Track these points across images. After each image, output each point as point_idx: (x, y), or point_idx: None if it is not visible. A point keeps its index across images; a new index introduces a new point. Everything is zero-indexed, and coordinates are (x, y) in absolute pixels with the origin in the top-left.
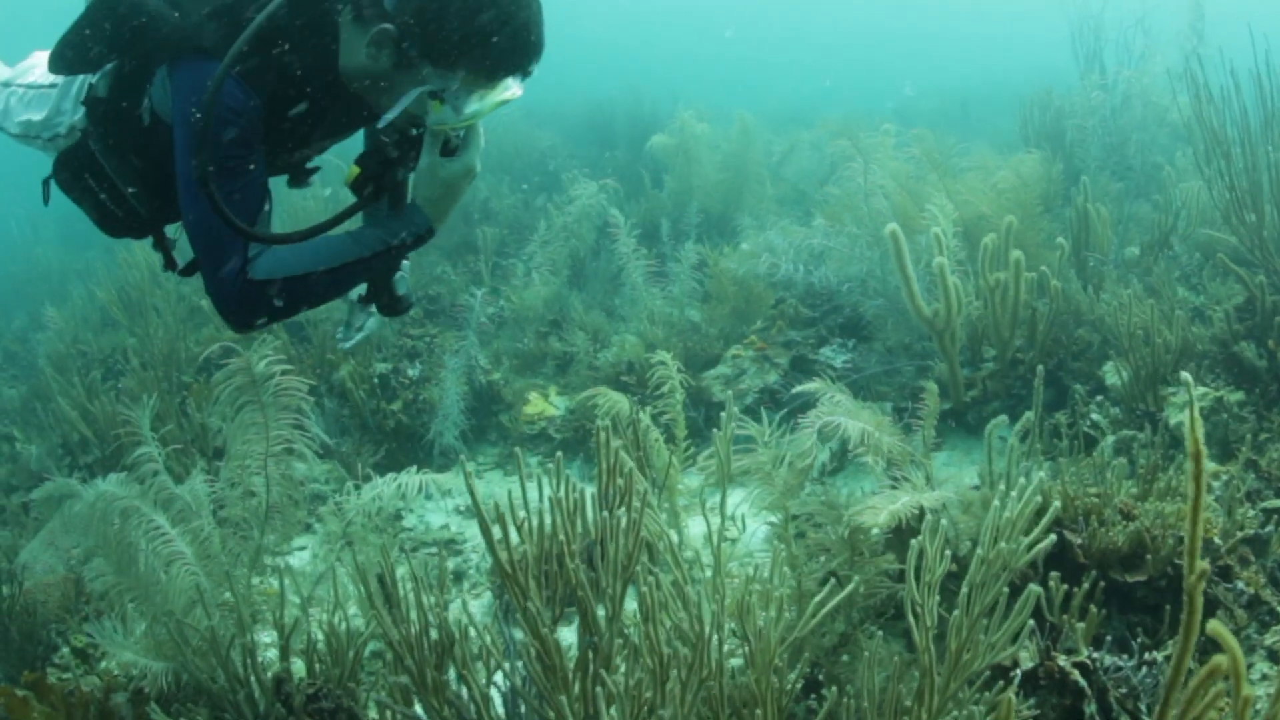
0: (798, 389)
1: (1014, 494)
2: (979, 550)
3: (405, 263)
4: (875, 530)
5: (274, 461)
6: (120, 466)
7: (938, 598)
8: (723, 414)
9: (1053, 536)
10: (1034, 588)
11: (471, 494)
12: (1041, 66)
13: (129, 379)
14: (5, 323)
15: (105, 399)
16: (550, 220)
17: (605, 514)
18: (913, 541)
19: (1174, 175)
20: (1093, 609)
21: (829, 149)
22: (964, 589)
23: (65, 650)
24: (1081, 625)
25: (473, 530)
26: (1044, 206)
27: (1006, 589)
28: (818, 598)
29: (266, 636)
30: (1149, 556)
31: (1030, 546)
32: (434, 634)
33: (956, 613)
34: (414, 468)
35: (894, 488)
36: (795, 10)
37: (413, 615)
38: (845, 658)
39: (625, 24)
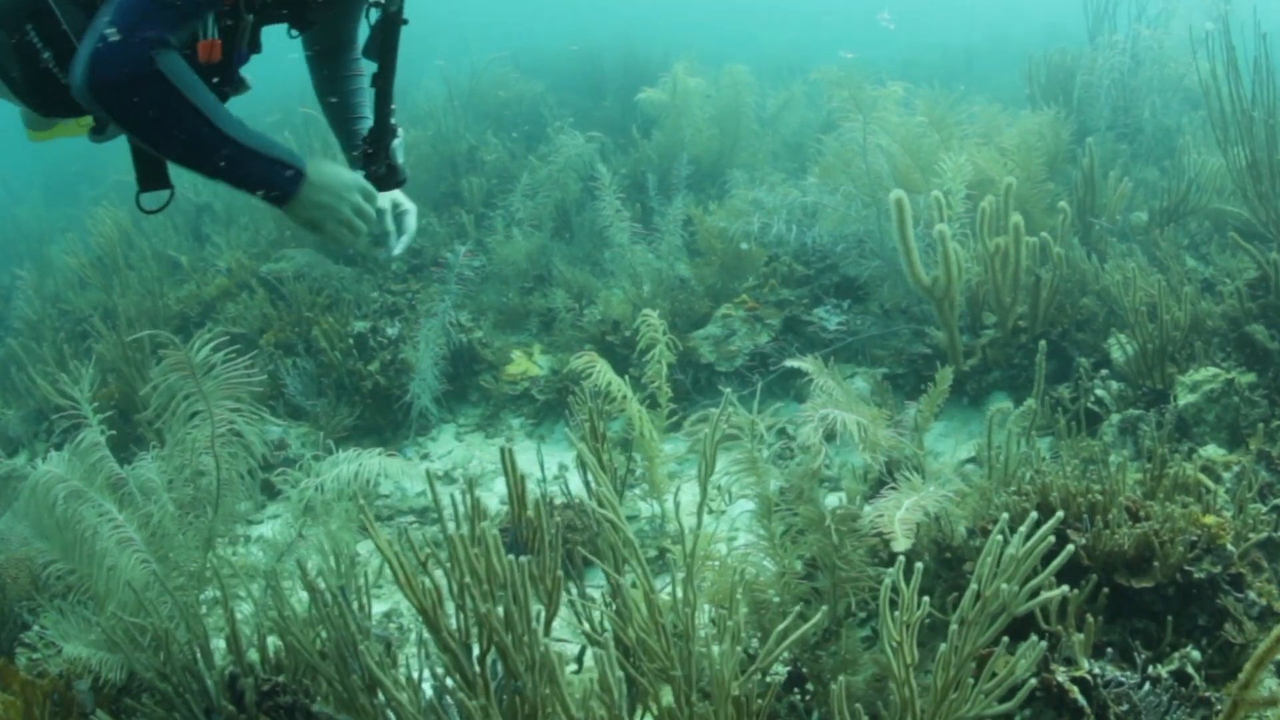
0: (788, 362)
1: (1022, 530)
2: (973, 585)
3: (394, 200)
4: (895, 547)
5: (222, 441)
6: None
7: (915, 638)
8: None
9: (1064, 588)
10: (1040, 644)
11: (435, 500)
12: (1049, 22)
13: (101, 343)
14: None
15: (77, 364)
16: (533, 171)
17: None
18: (885, 578)
19: (1191, 143)
20: (1090, 619)
21: (826, 102)
22: (953, 624)
23: (36, 629)
24: (1080, 637)
25: (450, 498)
26: (1050, 170)
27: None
28: (780, 626)
29: (240, 610)
30: (1157, 563)
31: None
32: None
33: (944, 647)
34: (377, 449)
35: (893, 488)
36: None
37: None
38: (831, 650)
39: None
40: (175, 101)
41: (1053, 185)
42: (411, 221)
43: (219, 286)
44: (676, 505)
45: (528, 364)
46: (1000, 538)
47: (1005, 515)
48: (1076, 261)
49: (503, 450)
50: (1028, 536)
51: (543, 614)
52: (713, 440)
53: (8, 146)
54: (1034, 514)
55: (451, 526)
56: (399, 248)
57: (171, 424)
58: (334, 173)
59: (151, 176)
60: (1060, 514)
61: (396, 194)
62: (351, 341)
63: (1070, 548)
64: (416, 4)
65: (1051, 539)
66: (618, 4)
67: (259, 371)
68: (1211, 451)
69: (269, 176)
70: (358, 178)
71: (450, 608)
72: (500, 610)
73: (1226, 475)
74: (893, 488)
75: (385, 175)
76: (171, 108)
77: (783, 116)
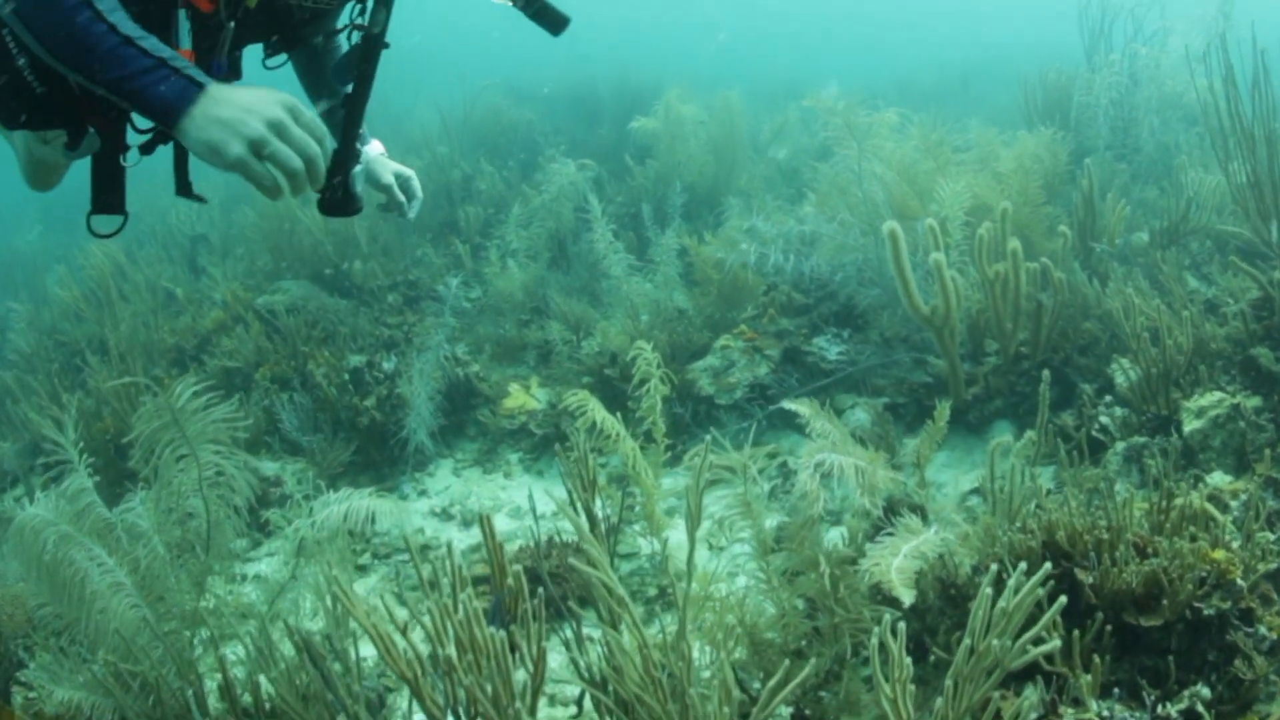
0: (785, 404)
1: (1011, 584)
2: (967, 640)
3: (395, 170)
4: (901, 600)
5: (210, 484)
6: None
7: (911, 688)
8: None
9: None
10: (1039, 694)
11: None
12: (1045, 40)
13: (95, 377)
14: None
15: (71, 397)
16: (526, 202)
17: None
18: (873, 638)
19: (1188, 161)
20: (1096, 659)
21: (821, 128)
22: (949, 681)
23: (33, 666)
24: (1088, 678)
25: (449, 534)
26: (1048, 195)
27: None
28: (773, 681)
29: (233, 652)
30: (1166, 600)
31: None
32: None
33: (940, 702)
34: (373, 486)
35: (890, 533)
36: None
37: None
38: (833, 690)
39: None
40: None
41: (1051, 208)
42: (417, 186)
43: (214, 319)
44: (689, 545)
45: (525, 398)
46: (990, 590)
47: (994, 567)
48: (1078, 286)
49: (482, 520)
50: (1018, 587)
51: (528, 686)
52: (698, 491)
53: (3, 172)
54: (1023, 564)
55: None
56: (413, 211)
57: (159, 467)
58: (251, 90)
59: (106, 199)
60: (1048, 566)
61: (394, 164)
62: (347, 377)
63: (1061, 601)
64: (409, 31)
65: (1051, 583)
66: (612, 30)
67: (249, 412)
68: (1218, 479)
69: (157, 83)
70: (286, 96)
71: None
72: (487, 686)
73: (1234, 504)
74: (889, 533)
75: (341, 199)
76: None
77: (778, 141)
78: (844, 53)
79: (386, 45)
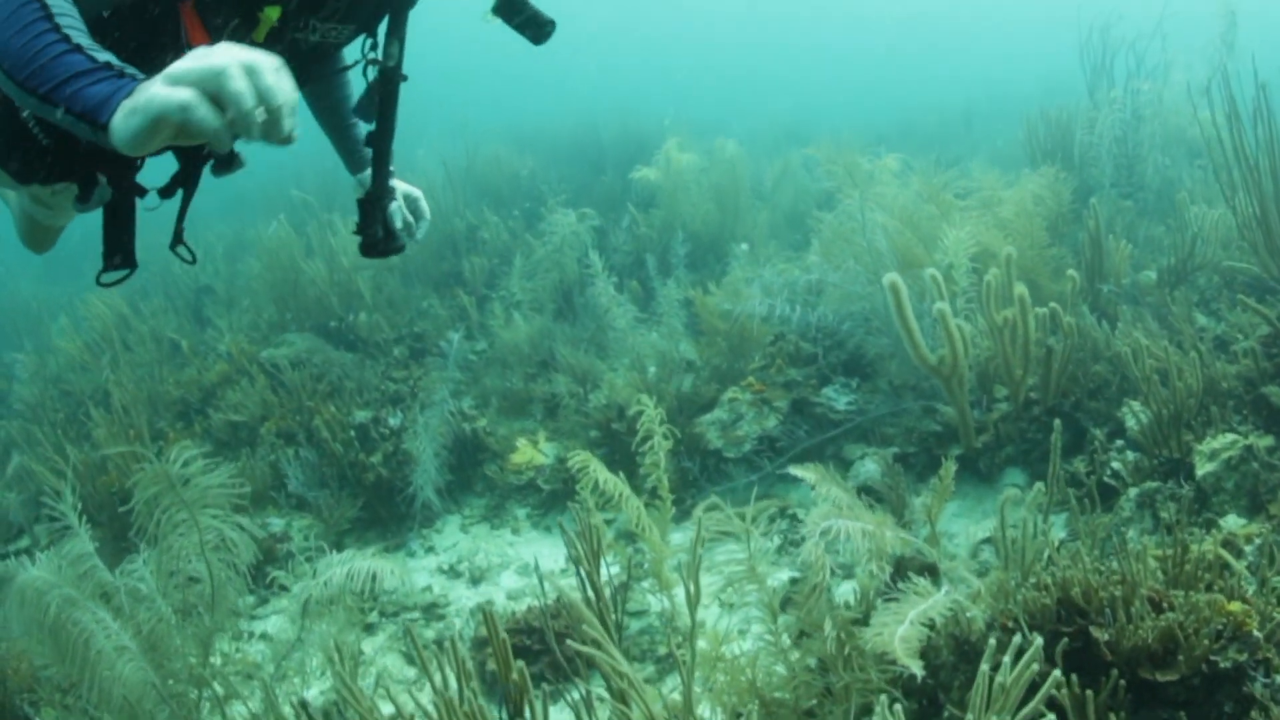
0: (792, 470)
1: (1006, 661)
2: (969, 716)
3: (404, 191)
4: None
5: (212, 547)
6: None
7: None
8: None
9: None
10: None
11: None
12: (1046, 75)
13: (99, 429)
14: None
15: (76, 449)
16: (529, 253)
17: None
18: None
19: (1187, 198)
20: (1112, 717)
21: (824, 175)
22: None
23: None
24: None
25: (457, 592)
26: (1053, 236)
27: None
28: None
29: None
30: (1182, 655)
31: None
32: None
33: None
34: (379, 544)
35: (894, 598)
36: (794, 25)
37: None
38: None
39: (616, 42)
40: None
41: (1057, 249)
42: (425, 206)
43: (219, 372)
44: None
45: (533, 453)
46: (987, 668)
47: (992, 641)
48: (1087, 329)
49: (485, 614)
50: (1015, 660)
51: None
52: (695, 568)
53: (5, 219)
54: (1018, 638)
55: (459, 634)
56: (420, 231)
57: (160, 532)
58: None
59: (117, 252)
60: (1039, 641)
61: (402, 184)
62: (353, 433)
63: (1055, 675)
64: (410, 82)
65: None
66: (612, 75)
67: (255, 467)
68: (1232, 522)
69: (90, 88)
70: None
71: None
72: None
73: (1248, 549)
74: (893, 599)
75: (383, 239)
76: None
77: (781, 187)
78: (845, 93)
79: (404, 78)
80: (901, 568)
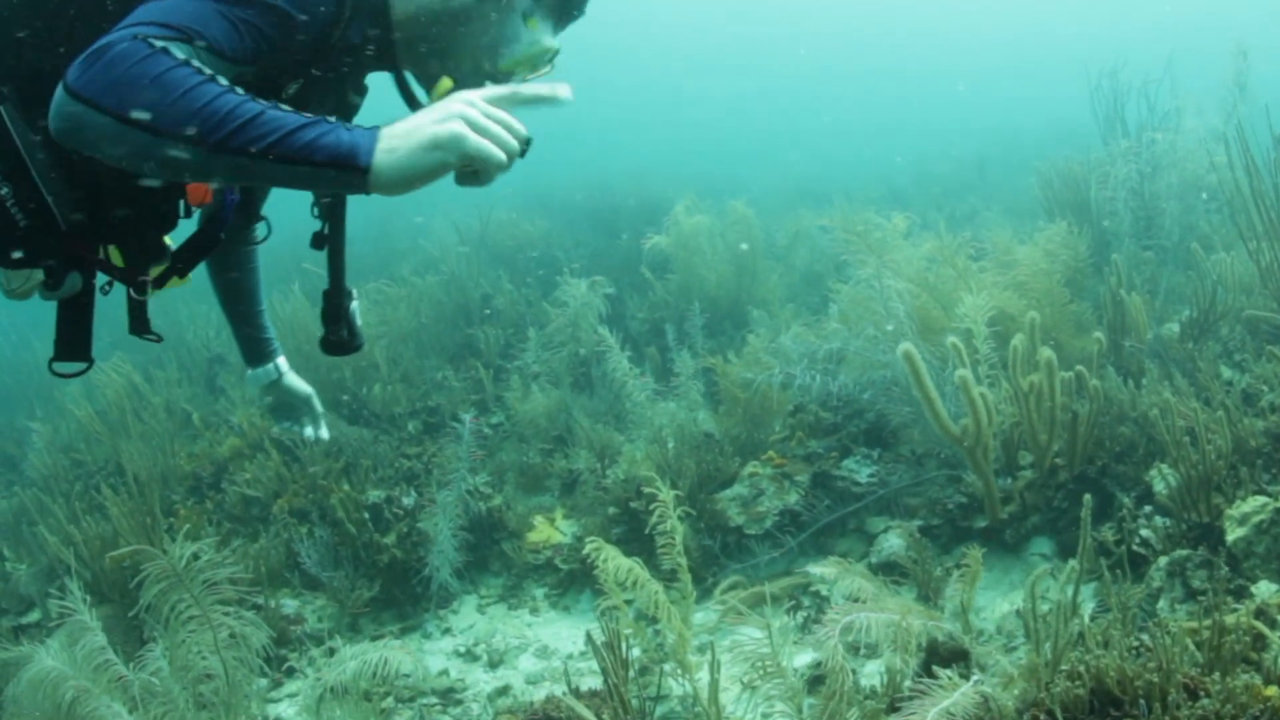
0: (810, 569)
1: None
2: None
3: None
4: None
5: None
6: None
7: None
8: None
9: None
10: None
11: None
12: (1057, 121)
13: (112, 504)
14: (7, 419)
15: (89, 521)
16: (544, 324)
17: None
18: None
19: (1200, 249)
20: None
21: (838, 241)
22: None
23: None
24: None
25: (474, 676)
26: (1072, 292)
27: None
28: None
29: None
30: None
31: None
32: None
33: None
34: (387, 638)
35: (923, 693)
36: (803, 80)
37: None
38: None
39: (629, 106)
40: (176, 95)
41: (1076, 305)
42: (318, 403)
43: (231, 446)
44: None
45: (550, 530)
46: None
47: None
48: (1112, 391)
49: None
50: None
51: None
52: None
53: None
54: None
55: None
56: (324, 429)
57: (172, 626)
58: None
59: (73, 346)
60: None
61: (300, 382)
62: (366, 514)
63: None
64: None
65: None
66: (625, 139)
67: (269, 545)
68: (1265, 589)
69: (326, 136)
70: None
71: None
72: None
73: None
74: (920, 691)
75: (346, 339)
76: (167, 105)
77: (795, 248)
78: (857, 143)
79: None
80: (932, 651)
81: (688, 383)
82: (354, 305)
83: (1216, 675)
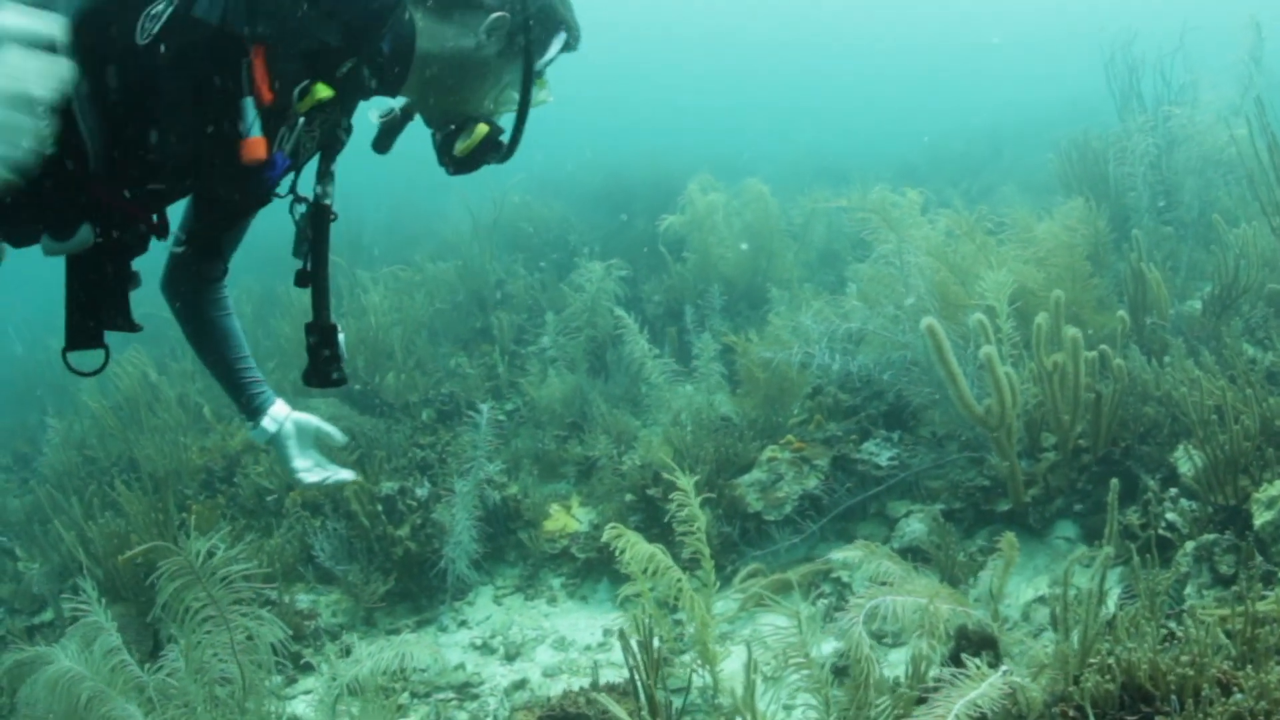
0: (833, 555)
1: None
2: None
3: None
4: None
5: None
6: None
7: None
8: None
9: None
10: None
11: None
12: (1072, 96)
13: (125, 501)
14: (18, 418)
15: (103, 519)
16: (559, 309)
17: None
18: None
19: (1222, 221)
20: None
21: (857, 220)
22: None
23: None
24: None
25: (490, 669)
26: (1093, 267)
27: None
28: None
29: None
30: None
31: None
32: None
33: None
34: (403, 633)
35: (949, 684)
36: (817, 57)
37: None
38: None
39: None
40: None
41: (1098, 280)
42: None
43: (243, 439)
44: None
45: (566, 519)
46: None
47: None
48: (1136, 371)
49: None
50: None
51: None
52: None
53: (33, 277)
54: None
55: None
56: (327, 478)
57: (188, 627)
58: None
59: (81, 324)
60: None
61: (304, 423)
62: (379, 507)
63: None
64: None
65: None
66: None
67: (284, 539)
68: None
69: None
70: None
71: None
72: None
73: None
74: (942, 684)
75: (329, 372)
76: None
77: (812, 225)
78: (871, 121)
79: (335, 217)
80: (962, 638)
81: (707, 364)
82: (341, 338)
83: (1249, 669)
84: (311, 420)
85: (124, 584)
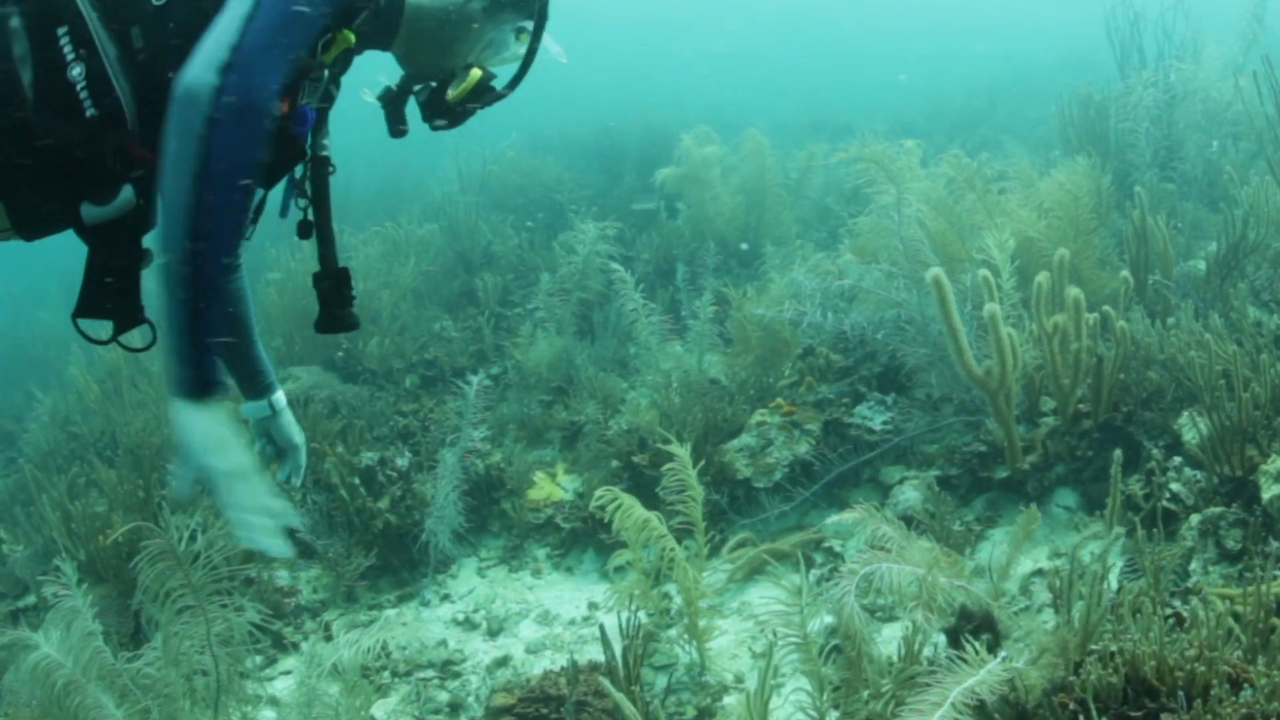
0: (830, 520)
1: None
2: None
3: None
4: None
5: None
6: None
7: None
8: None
9: None
10: None
11: None
12: (1071, 51)
13: (104, 479)
14: (5, 395)
15: (86, 499)
16: (548, 269)
17: None
18: None
19: (1235, 175)
20: None
21: (855, 170)
22: None
23: None
24: None
25: (474, 645)
26: (1097, 222)
27: None
28: None
29: None
30: None
31: None
32: None
33: None
34: (385, 610)
35: (949, 668)
36: (812, 10)
37: None
38: None
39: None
40: (241, 194)
41: (1099, 238)
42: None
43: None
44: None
45: (551, 487)
46: None
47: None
48: (1140, 333)
49: None
50: None
51: None
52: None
53: (24, 248)
54: None
55: None
56: (297, 479)
57: (165, 615)
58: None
59: (105, 293)
60: None
61: (294, 426)
62: (357, 480)
63: None
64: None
65: None
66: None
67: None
68: None
69: (208, 349)
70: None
71: None
72: None
73: None
74: (933, 669)
75: (344, 316)
76: (237, 186)
77: (807, 180)
78: (867, 76)
79: (333, 169)
80: (962, 616)
81: (700, 324)
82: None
83: (1261, 663)
84: (302, 441)
85: (106, 565)
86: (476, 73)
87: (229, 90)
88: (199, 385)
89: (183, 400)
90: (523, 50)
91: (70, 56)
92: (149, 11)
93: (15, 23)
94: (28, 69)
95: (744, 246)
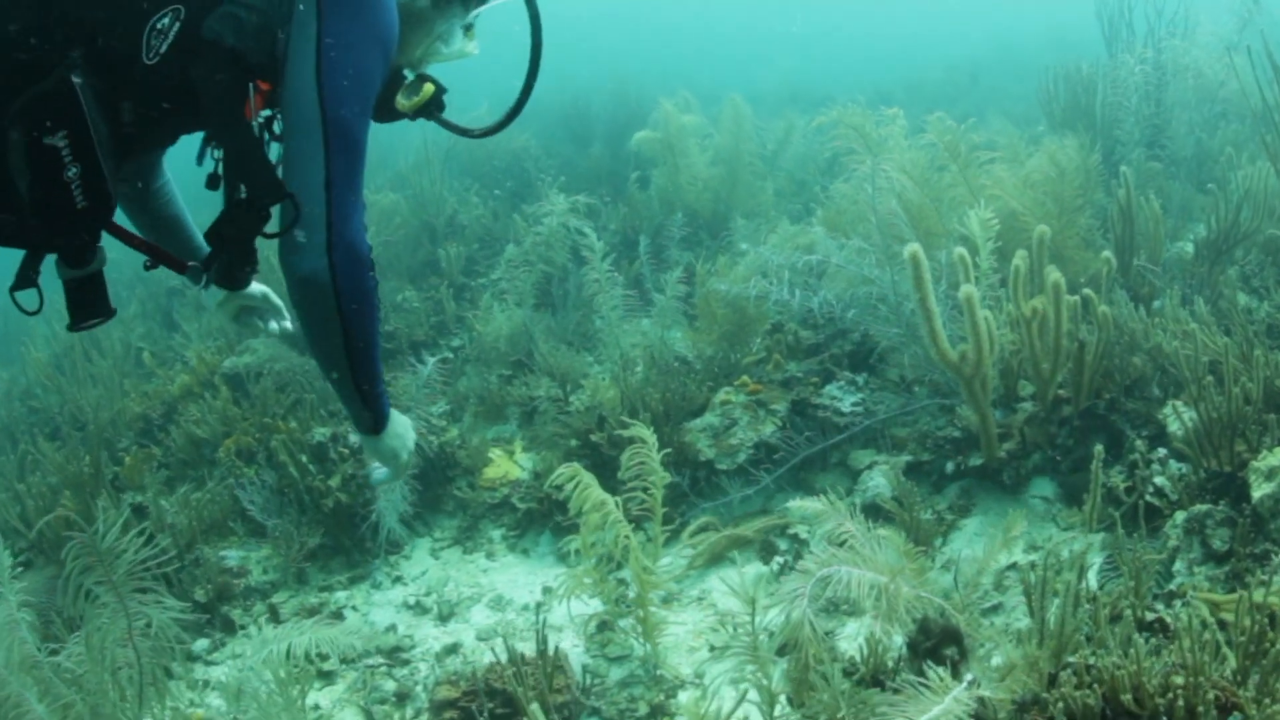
0: (793, 504)
1: None
2: None
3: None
4: None
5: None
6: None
7: None
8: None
9: None
10: None
11: None
12: (1056, 27)
13: (49, 457)
14: None
15: (36, 477)
16: (519, 241)
17: None
18: None
19: (1232, 157)
20: None
21: (831, 137)
22: None
23: None
24: None
25: (424, 631)
26: (1082, 200)
27: None
28: None
29: None
30: None
31: None
32: None
33: None
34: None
35: (917, 689)
36: None
37: None
38: None
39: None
40: (370, 304)
41: (1083, 217)
42: (275, 297)
43: (182, 385)
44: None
45: (508, 465)
46: None
47: None
48: (1123, 318)
49: None
50: None
51: None
52: None
53: None
54: None
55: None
56: (286, 320)
57: (89, 611)
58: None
59: (95, 308)
60: None
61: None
62: (305, 458)
63: None
64: None
65: None
66: (606, 44)
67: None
68: None
69: (381, 398)
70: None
71: None
72: None
73: None
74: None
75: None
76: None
77: (784, 152)
78: (847, 50)
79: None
80: (923, 630)
81: (665, 303)
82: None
83: (1252, 687)
84: (266, 289)
85: (52, 546)
86: (430, 88)
87: (340, 267)
88: (381, 422)
89: (372, 436)
90: (471, 48)
91: (68, 159)
92: (138, 76)
93: (15, 135)
94: (24, 177)
95: (716, 217)
